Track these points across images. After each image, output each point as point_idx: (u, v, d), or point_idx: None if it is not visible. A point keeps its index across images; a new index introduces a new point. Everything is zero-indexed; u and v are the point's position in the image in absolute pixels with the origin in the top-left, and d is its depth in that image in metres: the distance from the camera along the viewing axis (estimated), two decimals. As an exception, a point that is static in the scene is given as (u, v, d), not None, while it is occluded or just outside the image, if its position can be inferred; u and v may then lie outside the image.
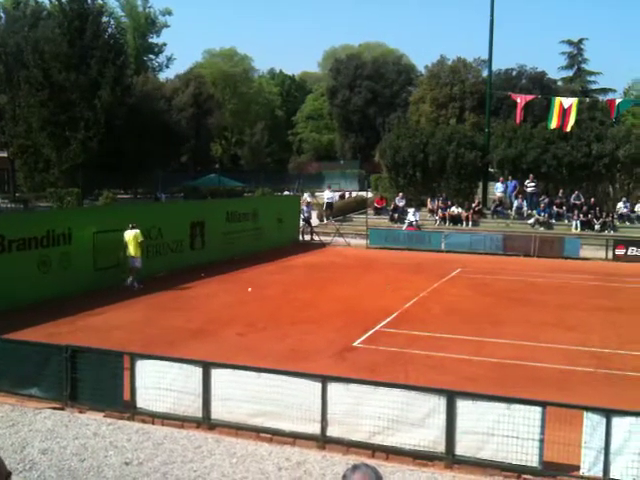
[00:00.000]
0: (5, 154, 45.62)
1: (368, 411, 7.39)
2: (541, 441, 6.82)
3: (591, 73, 61.75)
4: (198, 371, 8.03)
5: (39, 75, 38.20)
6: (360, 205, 34.79)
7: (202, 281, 18.43)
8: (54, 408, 8.57)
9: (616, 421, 6.64)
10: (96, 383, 8.51)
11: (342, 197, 39.79)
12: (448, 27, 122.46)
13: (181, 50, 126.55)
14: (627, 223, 28.41)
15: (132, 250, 16.74)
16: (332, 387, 7.54)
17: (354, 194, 42.10)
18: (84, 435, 7.79)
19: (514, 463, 6.91)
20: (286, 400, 7.67)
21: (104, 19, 43.28)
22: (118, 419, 8.28)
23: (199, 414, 8.06)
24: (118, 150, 40.22)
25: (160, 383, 8.20)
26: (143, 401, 8.32)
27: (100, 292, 15.92)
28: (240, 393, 7.88)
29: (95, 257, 16.81)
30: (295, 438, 7.65)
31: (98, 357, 8.65)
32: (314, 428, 7.59)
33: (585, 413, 6.77)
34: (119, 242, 16.83)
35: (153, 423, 8.20)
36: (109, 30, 43.52)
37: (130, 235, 16.74)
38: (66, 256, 15.90)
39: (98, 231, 16.90)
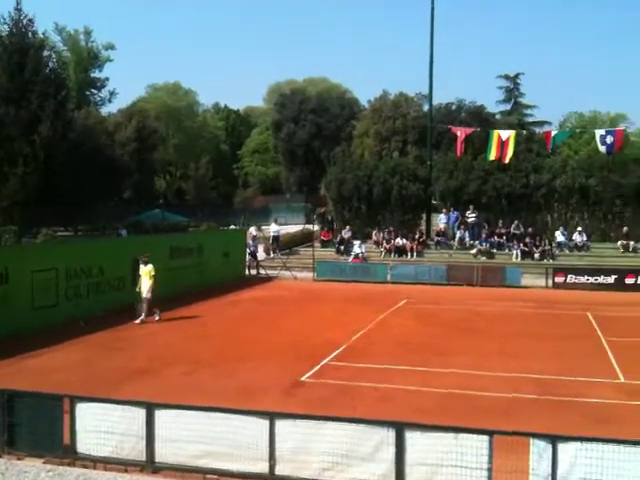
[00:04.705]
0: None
1: (317, 447, 7.28)
2: (489, 470, 6.83)
3: (527, 106, 64.03)
4: (141, 412, 7.79)
5: (-23, 109, 37.28)
6: (306, 238, 34.83)
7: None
8: (-11, 456, 8.18)
9: (562, 447, 6.70)
10: (34, 428, 8.16)
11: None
12: (390, 62, 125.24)
13: (125, 84, 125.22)
14: (565, 251, 29.25)
15: (142, 284, 17.29)
16: (280, 424, 7.41)
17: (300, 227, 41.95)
18: (21, 484, 7.44)
19: (464, 494, 6.89)
20: (233, 439, 7.49)
21: (45, 53, 42.69)
22: (58, 465, 7.94)
23: (142, 457, 7.80)
24: (57, 186, 39.30)
25: (101, 426, 7.91)
26: (84, 445, 8.00)
27: (38, 332, 15.37)
28: (185, 434, 7.66)
29: (33, 296, 16.30)
30: (243, 478, 7.47)
31: (36, 401, 8.30)
32: (262, 467, 7.43)
33: (531, 440, 6.83)
34: (56, 280, 16.89)
35: (95, 468, 7.89)
36: (50, 64, 42.93)
37: (144, 270, 17.31)
38: (4, 295, 15.35)
39: (36, 270, 16.45)
